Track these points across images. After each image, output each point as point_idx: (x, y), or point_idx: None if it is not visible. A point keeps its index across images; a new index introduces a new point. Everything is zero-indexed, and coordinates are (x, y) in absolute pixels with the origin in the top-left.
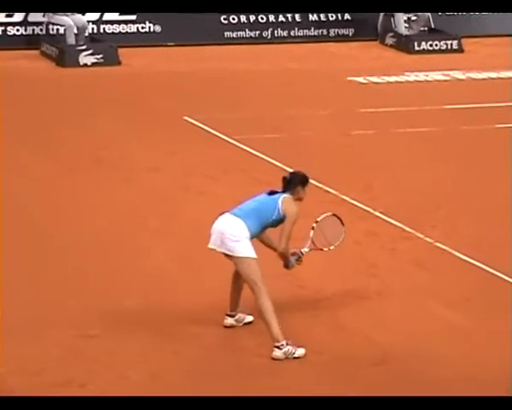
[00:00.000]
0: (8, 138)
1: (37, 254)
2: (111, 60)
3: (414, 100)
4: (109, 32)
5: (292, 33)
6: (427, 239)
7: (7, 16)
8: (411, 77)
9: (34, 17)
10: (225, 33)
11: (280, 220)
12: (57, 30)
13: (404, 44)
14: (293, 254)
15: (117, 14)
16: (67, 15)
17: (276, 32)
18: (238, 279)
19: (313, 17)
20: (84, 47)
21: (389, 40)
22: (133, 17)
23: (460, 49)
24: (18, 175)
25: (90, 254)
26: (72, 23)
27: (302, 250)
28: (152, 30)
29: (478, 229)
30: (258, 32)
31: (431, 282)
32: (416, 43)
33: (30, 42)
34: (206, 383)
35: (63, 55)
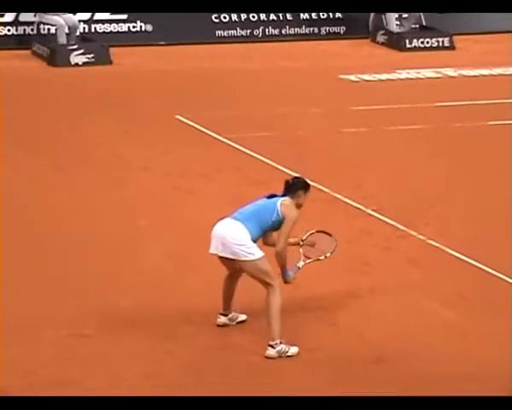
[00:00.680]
0: None
1: (32, 255)
2: (102, 59)
3: (406, 97)
4: (100, 31)
5: (283, 31)
6: (421, 237)
7: None
8: (403, 74)
9: (25, 17)
10: (217, 32)
11: (279, 222)
12: (48, 30)
13: (396, 42)
14: (291, 268)
15: (108, 13)
16: (58, 15)
17: (267, 30)
18: (231, 283)
19: (304, 15)
20: (75, 46)
21: (380, 38)
22: (124, 16)
23: (452, 47)
24: (10, 174)
25: (84, 255)
26: (63, 23)
27: (298, 264)
28: (143, 29)
29: (471, 226)
30: (249, 31)
31: (424, 279)
32: (407, 41)
33: (21, 42)
34: (201, 382)
35: (54, 54)
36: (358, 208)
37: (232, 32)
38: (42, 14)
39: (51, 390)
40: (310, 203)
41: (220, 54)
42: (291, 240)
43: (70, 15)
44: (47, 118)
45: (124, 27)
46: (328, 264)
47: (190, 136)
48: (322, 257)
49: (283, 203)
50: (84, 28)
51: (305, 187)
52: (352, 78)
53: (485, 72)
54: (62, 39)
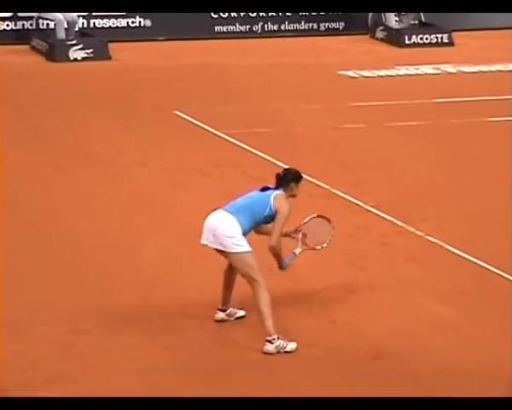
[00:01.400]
0: None
1: (29, 252)
2: (101, 54)
3: (404, 94)
4: (99, 26)
5: (282, 27)
6: (418, 233)
7: None
8: (402, 70)
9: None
10: (215, 27)
11: (272, 216)
12: (47, 25)
13: (395, 38)
14: (287, 256)
15: None
16: None
17: (266, 26)
18: (230, 274)
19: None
20: (74, 42)
21: (379, 34)
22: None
23: (450, 43)
24: (7, 171)
25: (82, 252)
26: (62, 18)
27: (295, 251)
28: (142, 24)
29: (469, 223)
30: (248, 27)
31: (422, 275)
32: (406, 37)
33: (20, 37)
34: (199, 377)
35: (53, 49)
36: (356, 204)
37: (231, 27)
38: None
39: (51, 386)
40: (307, 198)
41: (219, 49)
42: (286, 229)
43: None
44: (45, 113)
45: (123, 23)
46: (325, 258)
47: (189, 131)
48: (319, 247)
49: (276, 197)
50: (82, 23)
51: (297, 178)
52: (351, 74)
53: (484, 68)
54: (61, 34)
